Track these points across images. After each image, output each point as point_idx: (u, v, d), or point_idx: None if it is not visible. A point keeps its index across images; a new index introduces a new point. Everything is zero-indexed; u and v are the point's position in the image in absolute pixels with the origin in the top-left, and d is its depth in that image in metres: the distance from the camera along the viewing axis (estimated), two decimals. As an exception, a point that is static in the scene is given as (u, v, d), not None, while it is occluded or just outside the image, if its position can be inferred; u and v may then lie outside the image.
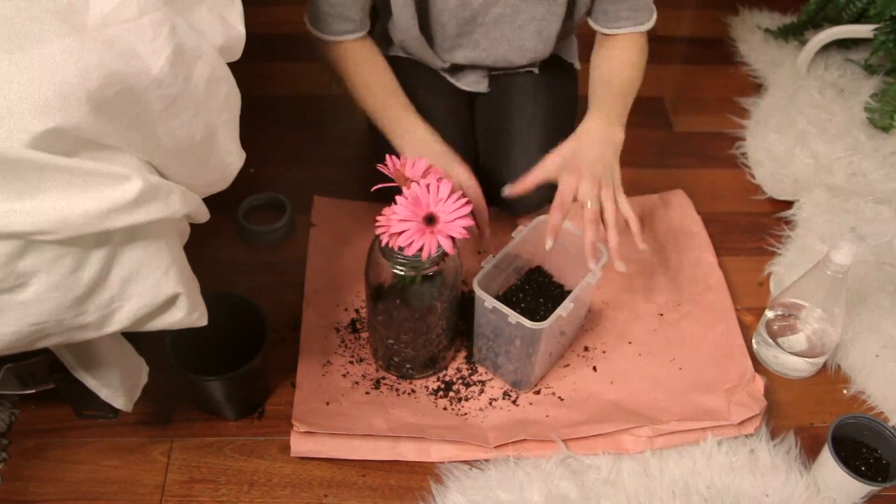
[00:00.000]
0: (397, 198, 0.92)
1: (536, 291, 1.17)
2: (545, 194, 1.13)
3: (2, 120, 0.63)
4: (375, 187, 0.98)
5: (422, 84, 1.27)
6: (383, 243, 0.93)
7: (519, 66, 1.28)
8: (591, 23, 1.17)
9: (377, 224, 0.93)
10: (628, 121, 1.55)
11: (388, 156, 0.97)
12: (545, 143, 1.23)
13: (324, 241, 1.27)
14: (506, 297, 1.13)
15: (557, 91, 1.29)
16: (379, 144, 1.29)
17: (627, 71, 1.16)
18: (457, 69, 1.29)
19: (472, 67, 1.28)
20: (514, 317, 0.98)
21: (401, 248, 0.91)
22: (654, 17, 1.17)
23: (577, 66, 1.37)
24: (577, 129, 1.07)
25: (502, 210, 1.29)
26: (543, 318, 0.98)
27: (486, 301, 1.00)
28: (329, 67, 1.15)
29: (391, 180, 0.97)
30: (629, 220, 1.01)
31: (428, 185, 0.91)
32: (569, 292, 1.14)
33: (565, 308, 0.99)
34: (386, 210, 0.93)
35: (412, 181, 0.93)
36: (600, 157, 1.03)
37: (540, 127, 1.19)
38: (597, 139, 1.05)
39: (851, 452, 1.01)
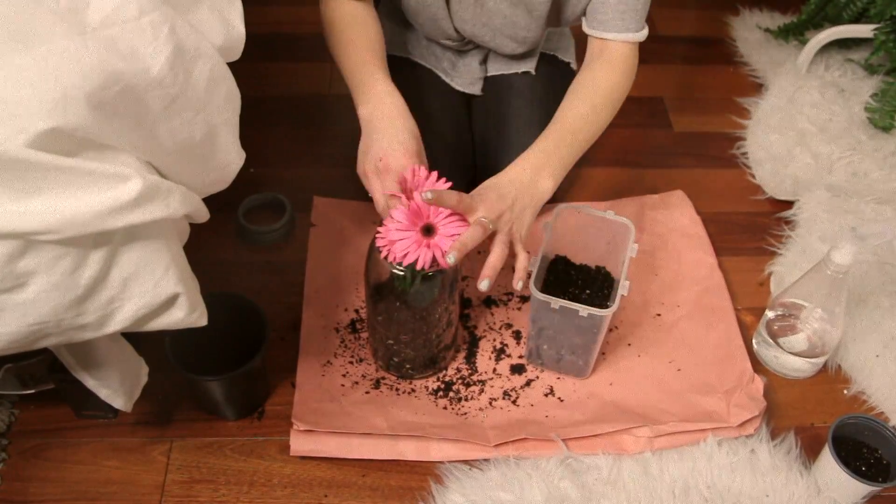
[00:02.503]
0: (396, 208, 0.93)
1: (569, 279, 1.18)
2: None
3: (2, 120, 0.63)
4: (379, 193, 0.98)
5: (418, 84, 1.27)
6: (382, 255, 0.93)
7: (513, 54, 1.28)
8: (584, 25, 1.14)
9: (377, 233, 0.93)
10: (628, 121, 1.55)
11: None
12: None
13: (324, 241, 1.27)
14: (547, 293, 1.11)
15: (554, 92, 1.28)
16: None
17: (589, 109, 1.08)
18: (454, 63, 1.29)
19: (471, 53, 1.27)
20: (584, 310, 0.99)
21: (399, 263, 0.92)
22: (646, 31, 1.13)
23: (574, 65, 1.37)
24: (506, 169, 1.01)
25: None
26: (589, 303, 1.05)
27: (553, 302, 1.00)
28: (324, 24, 1.10)
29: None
30: (518, 259, 0.98)
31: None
32: (598, 269, 1.19)
33: (624, 287, 1.01)
34: (387, 220, 0.93)
35: (413, 191, 0.93)
36: (512, 199, 0.97)
37: (537, 128, 1.18)
38: (516, 180, 0.99)
39: (852, 452, 1.01)
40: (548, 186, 1.02)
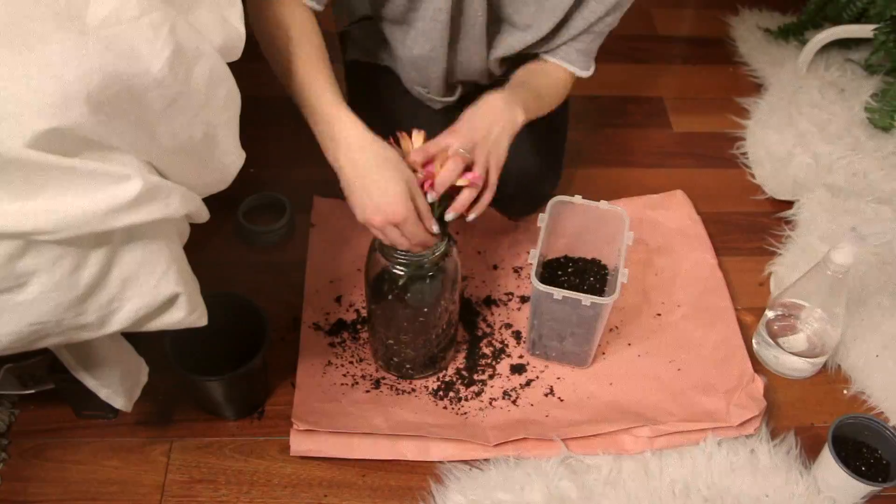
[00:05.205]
0: None
1: (562, 268, 1.21)
2: (540, 199, 1.13)
3: (2, 120, 0.63)
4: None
5: (398, 88, 1.25)
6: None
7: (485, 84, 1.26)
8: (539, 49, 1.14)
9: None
10: (628, 121, 1.55)
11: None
12: (537, 145, 1.23)
13: (324, 242, 1.27)
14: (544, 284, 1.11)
15: None
16: None
17: (546, 86, 1.12)
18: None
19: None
20: (587, 299, 1.00)
21: (399, 263, 0.92)
22: (592, 70, 1.15)
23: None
24: (479, 99, 1.00)
25: (498, 211, 1.30)
26: (587, 292, 1.07)
27: (556, 293, 1.01)
28: (262, 35, 0.98)
29: None
30: (486, 189, 0.96)
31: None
32: (593, 261, 1.21)
33: (623, 275, 1.02)
34: None
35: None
36: (488, 126, 0.96)
37: (532, 129, 1.18)
38: (494, 110, 0.98)
39: (852, 452, 1.01)
40: (521, 116, 1.01)
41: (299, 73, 0.94)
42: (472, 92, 1.30)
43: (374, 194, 0.90)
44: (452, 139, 0.94)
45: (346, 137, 0.92)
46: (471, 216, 0.96)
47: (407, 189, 0.90)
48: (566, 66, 1.14)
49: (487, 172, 0.96)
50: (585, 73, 1.15)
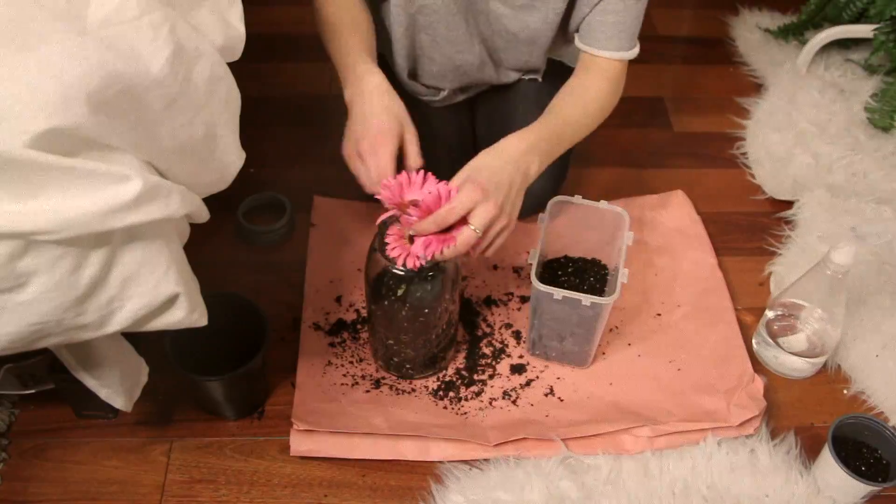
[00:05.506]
0: (402, 219, 0.94)
1: (562, 268, 1.21)
2: (537, 199, 1.12)
3: (2, 120, 0.63)
4: (379, 219, 0.98)
5: (396, 87, 1.26)
6: (399, 263, 0.95)
7: (504, 82, 1.27)
8: (577, 40, 1.13)
9: (387, 246, 0.95)
10: (628, 121, 1.55)
11: (383, 183, 0.95)
12: None
13: (324, 242, 1.27)
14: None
15: None
16: None
17: (581, 112, 1.09)
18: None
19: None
20: (587, 299, 1.00)
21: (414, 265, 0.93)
22: (637, 49, 1.11)
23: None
24: (497, 143, 0.99)
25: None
26: (587, 292, 1.06)
27: (556, 293, 1.01)
28: (317, 21, 1.09)
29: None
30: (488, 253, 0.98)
31: (439, 191, 0.92)
32: (593, 261, 1.21)
33: (624, 275, 1.02)
34: (388, 236, 0.95)
35: (412, 204, 0.93)
36: (508, 183, 0.95)
37: None
38: (512, 160, 0.97)
39: (851, 452, 1.01)
40: (534, 168, 1.00)
41: (338, 45, 1.05)
42: (481, 93, 1.31)
43: (354, 122, 0.98)
44: (476, 201, 0.91)
45: (359, 73, 1.01)
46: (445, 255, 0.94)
47: (390, 122, 0.96)
48: (601, 53, 1.09)
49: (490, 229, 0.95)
50: (627, 54, 1.09)
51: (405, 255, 0.93)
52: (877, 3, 1.53)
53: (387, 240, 0.95)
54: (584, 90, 1.10)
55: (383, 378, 1.11)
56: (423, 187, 0.94)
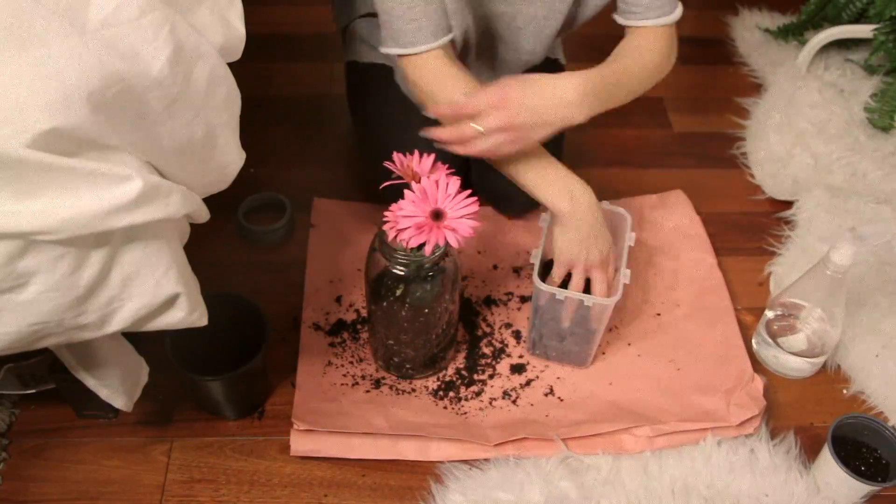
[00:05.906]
0: (405, 192, 0.92)
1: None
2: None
3: (2, 120, 0.63)
4: (384, 184, 0.96)
5: (398, 89, 1.25)
6: (389, 238, 0.93)
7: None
8: (616, 17, 1.10)
9: (385, 219, 0.92)
10: (628, 121, 1.55)
11: (395, 153, 0.95)
12: None
13: (324, 242, 1.27)
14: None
15: None
16: (368, 144, 1.29)
17: (640, 70, 1.06)
18: None
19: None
20: (589, 299, 1.00)
21: (414, 248, 0.91)
22: (680, 9, 1.07)
23: (563, 61, 1.37)
24: (547, 77, 0.97)
25: (496, 209, 1.30)
26: (588, 291, 1.04)
27: (558, 293, 1.01)
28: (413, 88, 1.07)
29: (394, 176, 0.97)
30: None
31: (437, 181, 0.91)
32: None
33: (626, 276, 1.03)
34: (394, 206, 0.92)
35: (420, 177, 0.93)
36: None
37: None
38: (557, 96, 0.96)
39: (851, 452, 1.01)
40: (579, 118, 0.98)
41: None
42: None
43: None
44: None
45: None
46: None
47: None
48: (644, 23, 1.06)
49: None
50: (671, 17, 1.06)
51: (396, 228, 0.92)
52: (876, 4, 1.53)
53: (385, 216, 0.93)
54: (638, 50, 1.07)
55: (383, 378, 1.11)
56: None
